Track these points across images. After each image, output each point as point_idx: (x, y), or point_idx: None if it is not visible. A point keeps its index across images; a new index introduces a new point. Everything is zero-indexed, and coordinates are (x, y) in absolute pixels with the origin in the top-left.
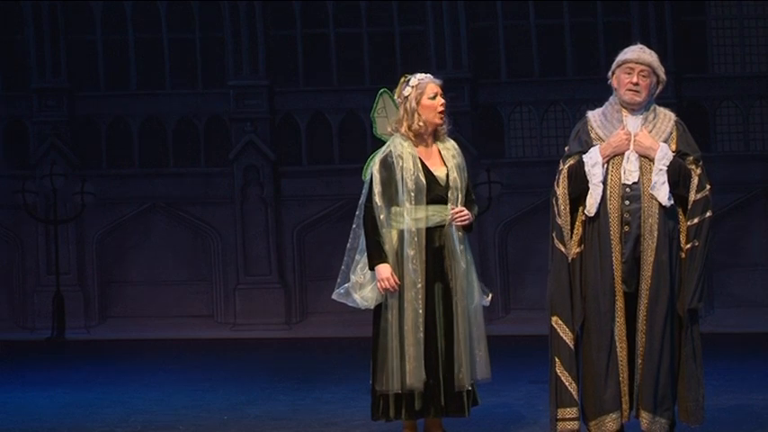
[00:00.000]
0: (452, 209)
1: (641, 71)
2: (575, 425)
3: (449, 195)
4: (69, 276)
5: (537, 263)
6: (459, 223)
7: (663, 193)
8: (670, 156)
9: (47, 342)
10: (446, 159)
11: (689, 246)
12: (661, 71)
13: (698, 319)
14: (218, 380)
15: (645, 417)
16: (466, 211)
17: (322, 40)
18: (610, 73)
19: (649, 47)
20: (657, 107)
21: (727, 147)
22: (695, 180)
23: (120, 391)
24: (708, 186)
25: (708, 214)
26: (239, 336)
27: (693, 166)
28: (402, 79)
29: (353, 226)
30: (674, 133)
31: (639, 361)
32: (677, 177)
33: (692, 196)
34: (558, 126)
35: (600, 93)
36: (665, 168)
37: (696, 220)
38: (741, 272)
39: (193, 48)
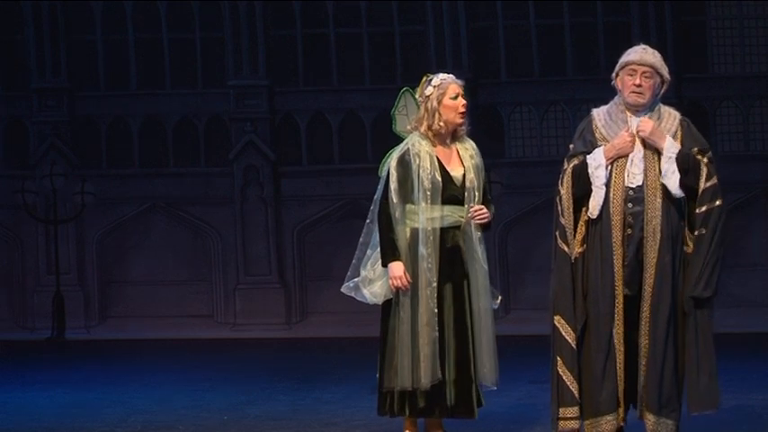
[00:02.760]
0: (472, 206)
1: (644, 72)
2: (575, 424)
3: (464, 196)
4: (69, 276)
5: (537, 263)
6: (478, 221)
7: (673, 182)
8: (678, 146)
9: (47, 342)
10: (464, 159)
11: (696, 233)
12: (665, 71)
13: (708, 308)
14: (218, 380)
15: (650, 418)
16: (485, 210)
17: (322, 40)
18: (613, 74)
19: (651, 47)
20: (663, 106)
21: (727, 147)
22: (704, 169)
23: (120, 391)
24: (716, 177)
25: (717, 203)
26: (239, 336)
27: (700, 157)
28: (424, 78)
29: (367, 221)
30: (679, 131)
31: (643, 363)
32: (686, 165)
33: (702, 185)
34: (558, 126)
35: (600, 93)
36: (674, 156)
37: (704, 208)
38: (741, 272)
39: (193, 48)
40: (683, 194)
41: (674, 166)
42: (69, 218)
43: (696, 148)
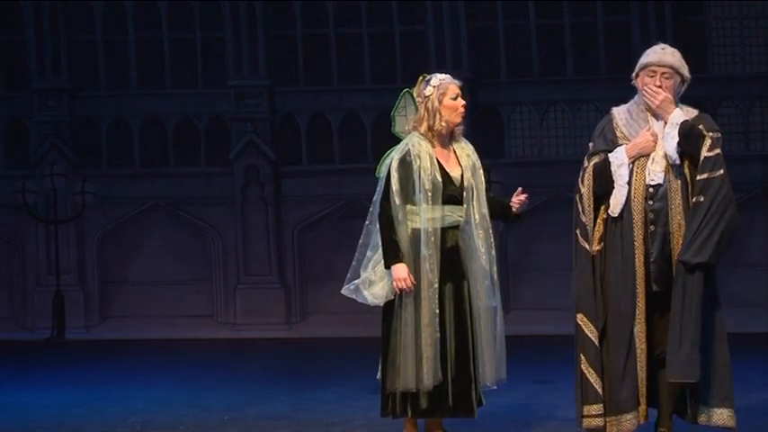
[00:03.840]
0: (520, 189)
1: (663, 73)
2: (599, 421)
3: (463, 196)
4: (69, 276)
5: (537, 263)
6: (522, 204)
7: (671, 144)
8: (685, 117)
9: (47, 342)
10: (461, 159)
11: (693, 200)
12: (684, 70)
13: (700, 277)
14: (218, 380)
15: (701, 410)
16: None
17: (322, 40)
18: (633, 74)
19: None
20: (684, 106)
21: (727, 147)
22: (708, 141)
23: (120, 391)
24: (719, 150)
25: (719, 172)
26: (239, 336)
27: (706, 132)
28: (420, 78)
29: (366, 222)
30: (695, 117)
31: None
32: (688, 132)
33: (703, 153)
34: (558, 126)
35: (600, 93)
36: (678, 123)
37: (705, 176)
38: (741, 272)
39: (193, 48)
40: (678, 158)
41: (675, 132)
42: (69, 218)
43: (703, 125)
